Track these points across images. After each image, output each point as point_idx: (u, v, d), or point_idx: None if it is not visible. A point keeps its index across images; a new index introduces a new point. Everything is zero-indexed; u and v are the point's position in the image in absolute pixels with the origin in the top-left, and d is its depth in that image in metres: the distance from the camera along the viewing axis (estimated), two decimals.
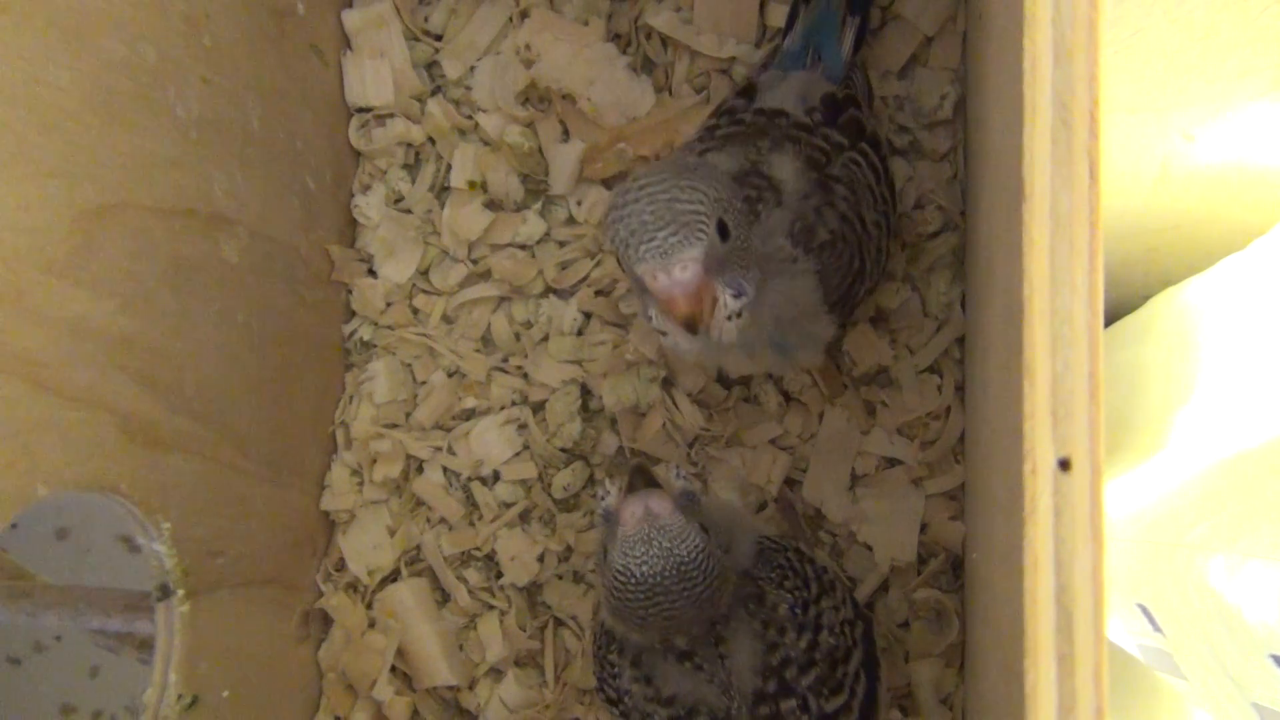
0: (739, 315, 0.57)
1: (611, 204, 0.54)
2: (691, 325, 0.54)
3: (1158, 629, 0.75)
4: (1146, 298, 0.88)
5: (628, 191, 0.54)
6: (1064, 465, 0.37)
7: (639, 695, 0.61)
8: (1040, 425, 0.38)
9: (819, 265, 0.62)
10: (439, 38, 0.87)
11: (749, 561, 0.63)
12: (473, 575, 0.82)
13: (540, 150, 0.85)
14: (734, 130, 0.66)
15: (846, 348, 0.79)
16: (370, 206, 0.87)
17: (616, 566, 0.56)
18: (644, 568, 0.56)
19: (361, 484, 0.84)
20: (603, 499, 0.60)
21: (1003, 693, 0.46)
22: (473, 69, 0.86)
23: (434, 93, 0.87)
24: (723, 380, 0.81)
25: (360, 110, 0.87)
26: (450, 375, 0.85)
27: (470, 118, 0.86)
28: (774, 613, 0.61)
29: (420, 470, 0.84)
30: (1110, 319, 0.88)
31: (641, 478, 0.59)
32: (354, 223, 0.88)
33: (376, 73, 0.86)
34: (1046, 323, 0.38)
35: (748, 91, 0.70)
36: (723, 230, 0.54)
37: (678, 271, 0.52)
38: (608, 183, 0.84)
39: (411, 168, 0.87)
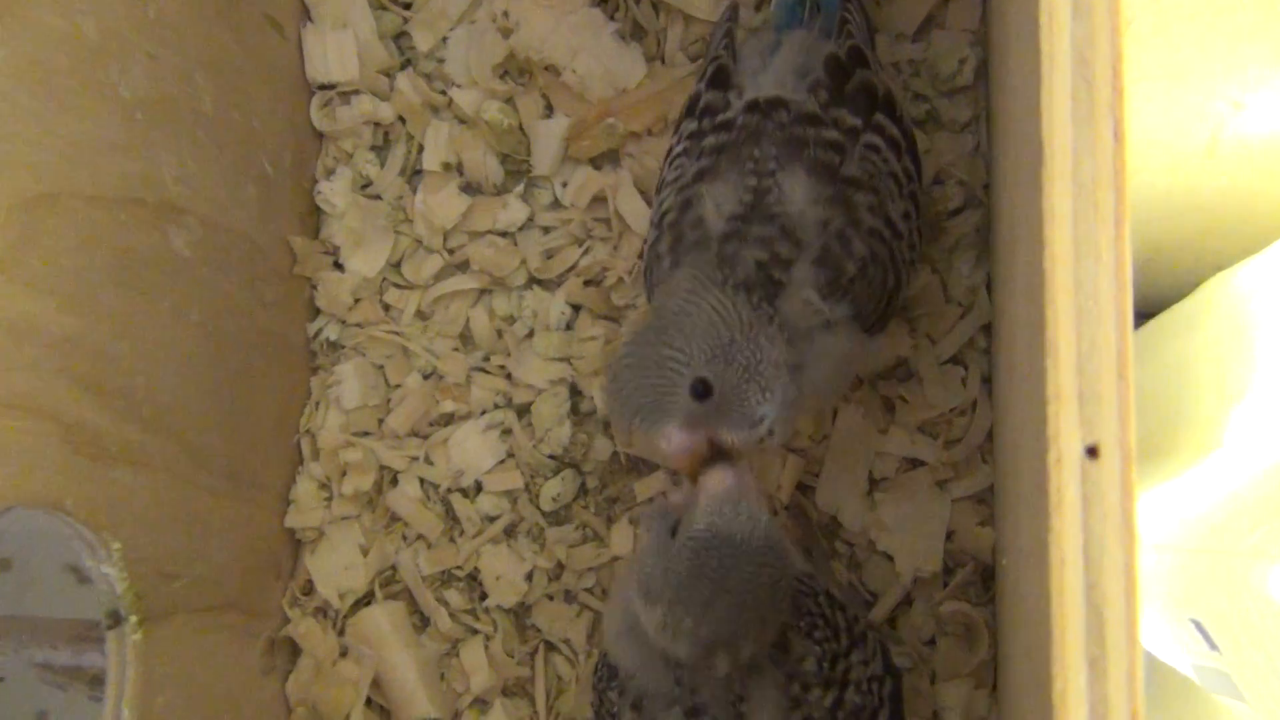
0: (770, 433, 0.61)
1: (605, 372, 0.62)
2: (693, 477, 0.60)
3: (1213, 646, 0.76)
4: (1196, 284, 0.89)
5: (613, 365, 0.60)
6: (1091, 452, 0.38)
7: None
8: (1065, 409, 0.38)
9: (852, 304, 0.63)
10: (408, 6, 0.88)
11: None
12: (454, 597, 0.83)
13: (521, 128, 0.85)
14: (724, 140, 0.65)
15: None
16: (335, 193, 0.88)
17: (699, 525, 0.57)
18: (733, 525, 0.57)
19: (330, 498, 0.85)
20: (658, 504, 0.63)
21: (1032, 705, 0.46)
22: (445, 40, 0.87)
23: (403, 66, 0.88)
24: None
25: (322, 87, 0.87)
26: (426, 377, 0.86)
27: (444, 93, 0.87)
28: (800, 665, 0.61)
29: (395, 482, 0.85)
30: (1157, 308, 0.88)
31: (718, 453, 0.61)
32: (317, 211, 0.88)
33: (339, 45, 0.86)
34: (1070, 297, 0.39)
35: (720, 78, 0.68)
36: (702, 390, 0.58)
37: (662, 444, 0.59)
38: (596, 162, 0.85)
39: (380, 149, 0.88)
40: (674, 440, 0.59)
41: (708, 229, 0.63)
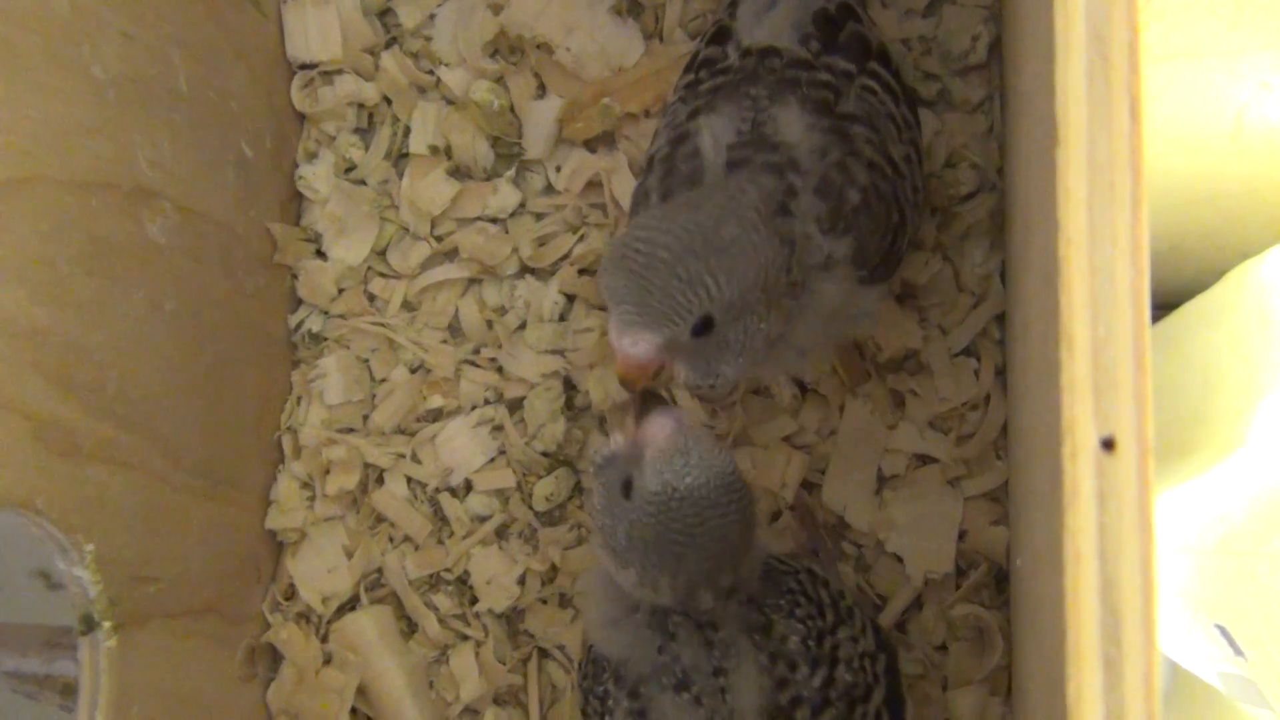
0: (709, 388, 0.61)
1: (615, 241, 0.59)
2: (628, 386, 0.60)
3: (1239, 652, 0.76)
4: (1220, 275, 0.89)
5: (628, 242, 0.58)
6: (1107, 445, 0.38)
7: None
8: (1080, 400, 0.39)
9: (855, 240, 0.63)
10: None
11: (754, 585, 0.64)
12: (443, 601, 0.83)
13: (512, 109, 0.86)
14: (720, 81, 0.67)
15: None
16: (317, 177, 0.88)
17: (654, 486, 0.57)
18: (688, 479, 0.57)
19: (313, 498, 0.85)
20: (599, 451, 0.62)
21: (1047, 710, 0.47)
22: (433, 16, 0.87)
23: (389, 45, 0.88)
24: None
25: (304, 66, 0.88)
26: (413, 371, 0.86)
27: (431, 73, 0.87)
28: (783, 645, 0.62)
29: (380, 481, 0.85)
30: (1179, 300, 0.88)
31: (655, 398, 0.61)
32: (298, 196, 0.89)
33: (322, 22, 0.86)
34: (1085, 283, 0.39)
35: (720, 36, 0.70)
36: (704, 327, 0.58)
37: (627, 342, 0.58)
38: (591, 144, 0.85)
39: (364, 132, 0.88)
40: (642, 351, 0.58)
41: (704, 161, 0.64)
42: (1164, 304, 0.87)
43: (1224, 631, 0.76)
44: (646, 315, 0.57)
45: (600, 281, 0.59)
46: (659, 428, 0.59)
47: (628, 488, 0.59)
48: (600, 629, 0.64)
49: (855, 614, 0.66)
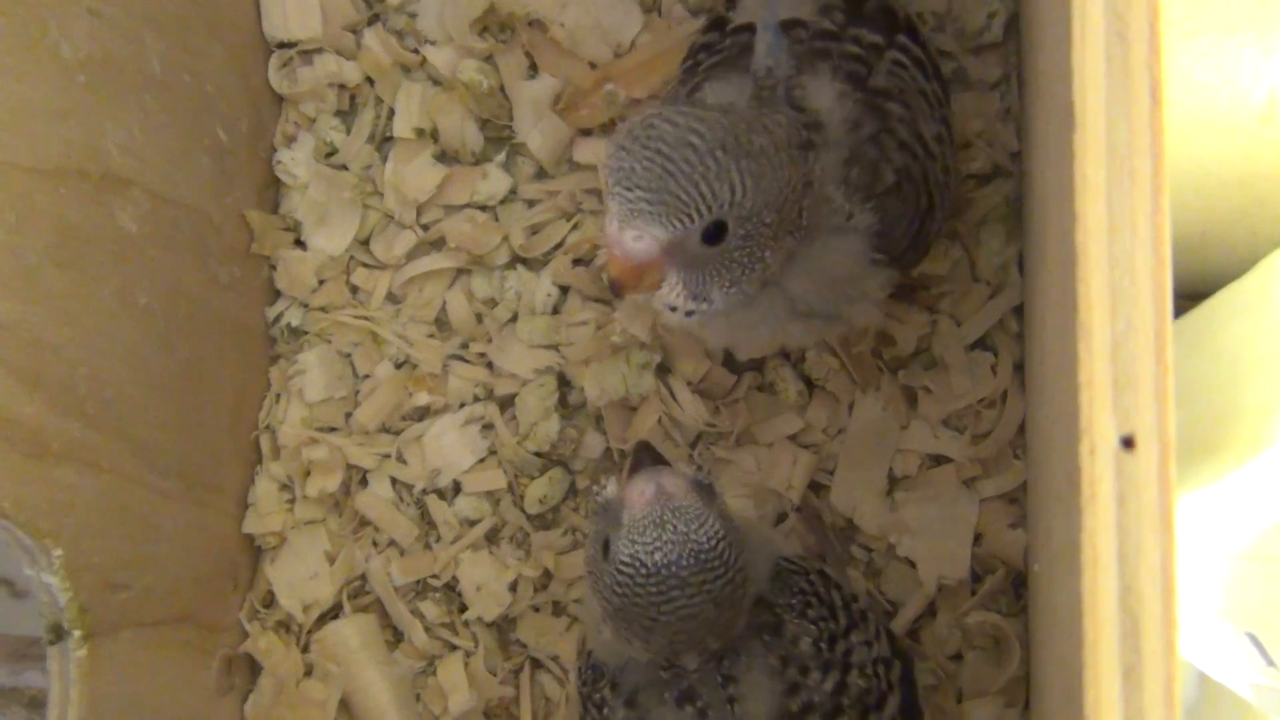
0: (687, 314, 0.60)
1: (638, 119, 0.57)
2: (615, 291, 0.58)
3: (1270, 662, 0.76)
4: (1251, 265, 0.89)
5: (651, 122, 0.56)
6: (1127, 443, 0.39)
7: None
8: (1099, 397, 0.39)
9: (881, 217, 0.63)
10: None
11: (764, 585, 0.65)
12: (430, 609, 0.84)
13: (502, 89, 0.86)
14: (720, 58, 0.66)
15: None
16: (296, 163, 0.88)
17: (623, 557, 0.58)
18: (656, 555, 0.57)
19: (292, 501, 0.86)
20: (598, 492, 0.62)
21: (1063, 719, 0.47)
22: None
23: (371, 22, 0.88)
24: (731, 365, 0.83)
25: (282, 45, 0.88)
26: (398, 366, 0.87)
27: (416, 52, 0.87)
28: (794, 647, 0.63)
29: (364, 483, 0.86)
30: (1210, 288, 0.89)
31: (649, 455, 0.62)
32: (277, 183, 0.89)
33: None
34: (1104, 274, 0.39)
35: (717, 24, 0.69)
36: (715, 235, 0.57)
37: (630, 237, 0.56)
38: (589, 132, 0.85)
39: (345, 114, 0.89)
40: (644, 248, 0.56)
41: None
42: (1192, 294, 0.87)
43: (1255, 640, 0.76)
44: (660, 206, 0.55)
45: (609, 163, 0.57)
46: (639, 493, 0.59)
47: (606, 547, 0.60)
48: (594, 636, 0.65)
49: (869, 618, 0.67)
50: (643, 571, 0.58)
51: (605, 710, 0.64)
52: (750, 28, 0.66)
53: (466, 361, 0.86)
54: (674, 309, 0.60)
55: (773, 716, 0.62)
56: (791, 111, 0.62)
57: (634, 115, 0.59)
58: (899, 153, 0.64)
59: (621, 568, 0.58)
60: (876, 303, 0.68)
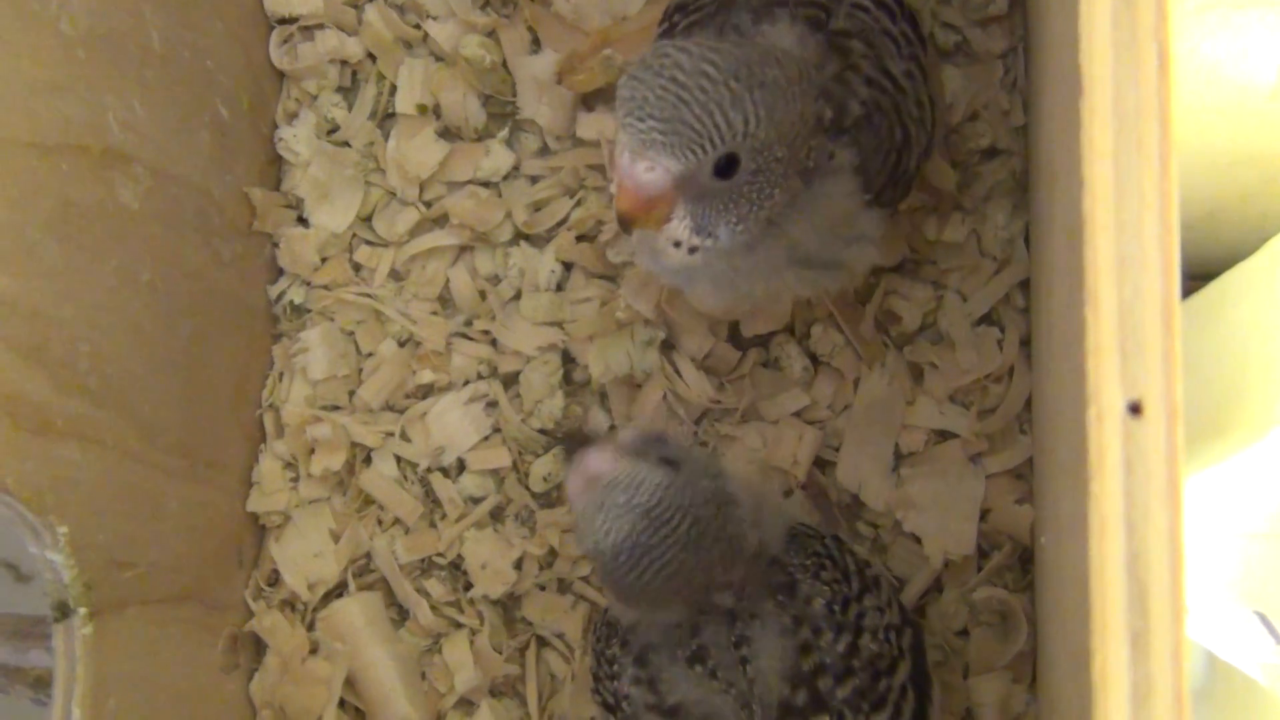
0: (690, 251, 0.60)
1: (651, 51, 0.57)
2: (624, 224, 0.59)
3: (1279, 641, 0.77)
4: (1264, 241, 0.89)
5: (665, 52, 0.56)
6: (1134, 409, 0.39)
7: (639, 701, 0.63)
8: (1106, 362, 0.39)
9: (858, 150, 0.64)
10: None
11: (778, 546, 0.65)
12: (435, 587, 0.84)
13: (505, 65, 0.86)
14: (696, 18, 0.67)
15: (884, 296, 0.81)
16: (298, 139, 0.88)
17: (586, 549, 0.60)
18: (610, 538, 0.59)
19: (296, 479, 0.86)
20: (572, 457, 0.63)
21: (1072, 689, 0.48)
22: None
23: None
24: (736, 341, 0.83)
25: (283, 21, 0.88)
26: (401, 344, 0.87)
27: (418, 27, 0.87)
28: (808, 607, 0.63)
29: (368, 461, 0.86)
30: (1219, 268, 0.89)
31: (574, 444, 0.63)
32: (278, 159, 0.89)
33: None
34: (1111, 240, 0.40)
35: None
36: (726, 167, 0.57)
37: (642, 168, 0.56)
38: (588, 102, 0.86)
39: (347, 91, 0.89)
40: (655, 180, 0.56)
41: None
42: (1201, 274, 0.87)
43: (1264, 619, 0.77)
44: (674, 136, 0.55)
45: (622, 92, 0.56)
46: (573, 488, 0.61)
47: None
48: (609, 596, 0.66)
49: (881, 584, 0.67)
50: (606, 556, 0.59)
51: (615, 666, 0.65)
52: None
53: (470, 339, 0.86)
54: (678, 244, 0.60)
55: (785, 675, 0.62)
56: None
57: (696, 38, 0.59)
58: (865, 87, 0.64)
59: (591, 557, 0.60)
60: (874, 242, 0.68)
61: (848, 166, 0.64)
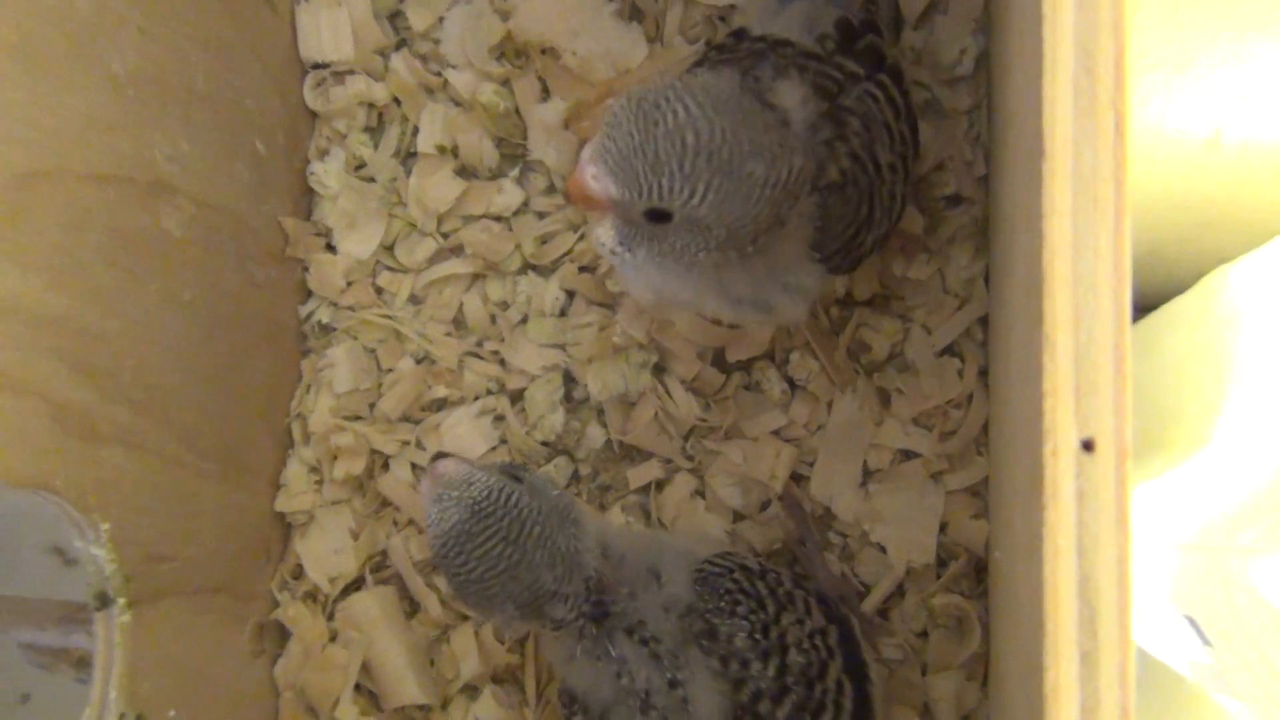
0: (612, 254, 0.60)
1: (674, 82, 0.56)
2: (566, 196, 0.59)
3: (1206, 642, 0.76)
4: (1199, 277, 0.89)
5: (668, 97, 0.55)
6: (1087, 446, 0.39)
7: None
8: (1062, 403, 0.39)
9: (821, 208, 0.62)
10: None
11: (689, 594, 0.64)
12: (444, 583, 0.83)
13: (517, 111, 0.85)
14: (726, 57, 0.65)
15: (856, 328, 0.80)
16: (328, 174, 0.88)
17: (430, 545, 0.59)
18: (440, 525, 0.59)
19: (321, 483, 0.85)
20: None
21: (1023, 697, 0.47)
22: (442, 20, 0.87)
23: (398, 46, 0.88)
24: (721, 365, 0.82)
25: (316, 66, 0.87)
26: (418, 362, 0.86)
27: (439, 75, 0.87)
28: (731, 645, 0.62)
29: (386, 467, 0.85)
30: (1158, 301, 0.88)
31: (436, 457, 0.63)
32: (310, 192, 0.88)
33: (334, 23, 0.86)
34: (1068, 291, 0.39)
35: (742, 32, 0.68)
36: (658, 217, 0.56)
37: (590, 172, 0.56)
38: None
39: (374, 131, 0.88)
40: (597, 189, 0.56)
41: None
42: (1142, 306, 0.87)
43: (1193, 622, 0.76)
44: (621, 170, 0.55)
45: (617, 102, 0.56)
46: (424, 490, 0.61)
47: None
48: (561, 665, 0.65)
49: (795, 597, 0.66)
50: (436, 545, 0.59)
51: None
52: (774, 41, 0.65)
53: (481, 358, 0.85)
54: (603, 245, 0.60)
55: (726, 712, 0.61)
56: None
57: (685, 82, 0.57)
58: (849, 159, 0.63)
59: (433, 554, 0.59)
60: (807, 297, 0.67)
61: (805, 216, 0.61)
